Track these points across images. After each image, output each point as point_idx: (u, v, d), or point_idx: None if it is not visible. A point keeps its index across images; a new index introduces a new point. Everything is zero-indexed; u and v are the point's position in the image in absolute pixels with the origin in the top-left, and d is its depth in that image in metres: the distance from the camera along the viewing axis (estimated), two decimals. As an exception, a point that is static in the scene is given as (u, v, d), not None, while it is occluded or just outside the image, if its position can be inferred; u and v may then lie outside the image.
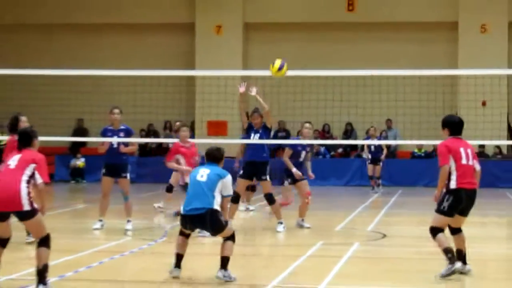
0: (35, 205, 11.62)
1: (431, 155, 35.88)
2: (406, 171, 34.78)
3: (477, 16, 37.10)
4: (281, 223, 18.73)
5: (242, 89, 19.38)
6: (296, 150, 19.31)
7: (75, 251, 15.50)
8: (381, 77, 28.52)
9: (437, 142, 19.97)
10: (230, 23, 38.58)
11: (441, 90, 33.43)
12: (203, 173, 12.93)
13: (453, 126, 13.33)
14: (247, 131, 19.44)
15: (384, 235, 18.35)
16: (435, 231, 12.88)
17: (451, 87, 34.99)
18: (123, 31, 39.38)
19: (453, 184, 12.71)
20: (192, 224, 12.74)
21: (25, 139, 12.15)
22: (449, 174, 12.78)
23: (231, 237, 12.62)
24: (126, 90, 31.69)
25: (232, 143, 27.14)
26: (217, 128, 36.29)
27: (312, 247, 16.59)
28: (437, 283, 13.05)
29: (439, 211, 12.91)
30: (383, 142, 32.30)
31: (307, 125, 19.75)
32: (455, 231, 12.99)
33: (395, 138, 35.01)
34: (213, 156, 13.21)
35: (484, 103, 34.11)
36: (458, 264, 12.57)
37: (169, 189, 22.13)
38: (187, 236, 12.85)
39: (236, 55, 38.18)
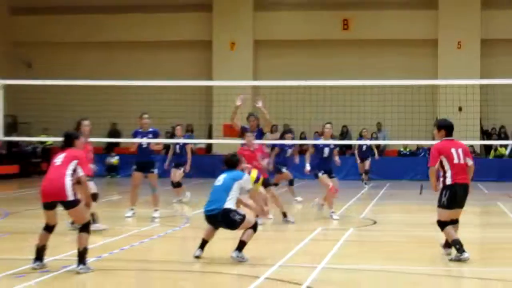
0: (78, 196, 11.78)
1: (415, 153, 35.86)
2: (393, 167, 34.72)
3: (454, 34, 37.04)
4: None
5: (239, 102, 19.32)
6: (318, 148, 19.22)
7: (110, 236, 15.51)
8: (372, 86, 28.47)
9: (420, 142, 20.09)
10: (242, 40, 38.56)
11: (423, 98, 33.34)
12: (220, 178, 13.07)
13: (448, 128, 13.05)
14: (243, 132, 19.46)
15: (375, 222, 18.32)
16: (442, 224, 12.79)
17: (432, 95, 34.89)
18: (150, 47, 39.34)
19: (448, 181, 12.67)
20: (210, 223, 12.90)
21: (67, 140, 12.31)
22: (444, 172, 12.73)
23: (253, 227, 12.66)
24: (153, 98, 31.64)
25: (243, 142, 27.06)
26: (231, 130, 36.09)
27: (313, 232, 16.57)
28: (420, 262, 13.01)
29: (440, 206, 12.83)
30: (373, 142, 32.21)
31: (328, 125, 19.51)
32: (452, 222, 12.84)
33: (384, 139, 34.96)
34: (230, 162, 13.34)
35: (460, 109, 34.00)
36: (466, 254, 12.40)
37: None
38: (216, 228, 12.98)
39: (247, 68, 38.15)
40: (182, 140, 23.42)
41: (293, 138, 24.97)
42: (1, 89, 22.03)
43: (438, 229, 15.29)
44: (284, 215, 18.06)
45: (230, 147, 35.63)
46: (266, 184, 17.62)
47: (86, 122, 16.66)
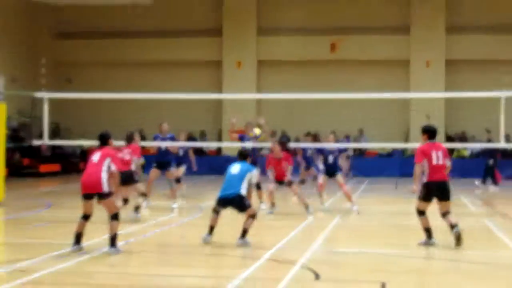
0: (111, 189, 11.97)
1: (391, 154, 35.75)
2: (372, 166, 34.57)
3: (423, 55, 36.98)
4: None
5: (233, 120, 20.43)
6: (324, 154, 19.19)
7: (136, 223, 15.47)
8: (355, 99, 28.46)
9: (395, 145, 20.02)
10: (247, 60, 38.51)
11: (397, 108, 33.45)
12: (236, 167, 13.16)
13: (431, 132, 13.03)
14: (241, 139, 19.72)
15: (358, 212, 18.26)
16: (419, 213, 12.81)
17: (404, 106, 34.93)
18: (170, 66, 39.31)
19: (425, 179, 12.66)
20: (223, 204, 12.92)
21: (103, 140, 12.65)
22: (424, 171, 12.71)
23: (253, 216, 12.71)
24: (172, 108, 31.75)
25: (248, 145, 27.13)
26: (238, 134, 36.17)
27: (306, 220, 16.53)
28: (397, 245, 12.97)
29: (419, 198, 12.85)
30: (356, 146, 32.13)
31: (331, 136, 19.52)
32: (444, 214, 12.77)
33: (365, 141, 34.89)
34: (242, 155, 13.59)
35: (428, 117, 33.96)
36: (433, 240, 12.63)
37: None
38: (218, 213, 12.94)
39: (252, 83, 38.09)
40: (194, 144, 23.19)
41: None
42: (46, 101, 22.03)
43: (411, 217, 15.23)
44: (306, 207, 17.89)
45: (237, 149, 35.78)
46: (289, 183, 17.81)
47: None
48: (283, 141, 19.40)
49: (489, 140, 27.58)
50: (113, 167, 12.07)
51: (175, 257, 11.85)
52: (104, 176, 12.00)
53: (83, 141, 34.76)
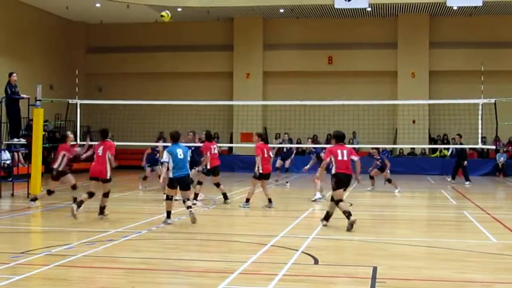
0: (110, 176, 14.67)
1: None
2: (363, 164, 34.27)
3: (409, 67, 36.96)
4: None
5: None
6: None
7: (157, 214, 15.44)
8: (349, 105, 28.40)
9: (384, 146, 19.92)
10: (255, 72, 38.52)
11: (386, 114, 33.33)
12: (180, 153, 13.91)
13: (339, 137, 13.84)
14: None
15: (351, 204, 18.19)
16: (337, 201, 13.26)
17: (393, 111, 34.84)
18: (188, 77, 39.42)
19: (334, 171, 13.35)
20: (178, 183, 13.91)
21: (104, 135, 15.01)
22: (333, 165, 13.42)
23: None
24: (191, 113, 31.68)
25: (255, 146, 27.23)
26: (247, 137, 36.20)
27: (305, 212, 16.49)
28: (383, 233, 12.91)
29: (333, 188, 13.39)
30: (352, 146, 32.00)
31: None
32: (337, 202, 13.31)
33: (358, 143, 34.80)
34: (177, 136, 14.33)
35: (414, 122, 33.93)
36: (353, 218, 12.99)
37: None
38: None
39: (259, 92, 38.12)
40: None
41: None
42: (79, 107, 22.07)
43: (396, 209, 15.20)
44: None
45: (246, 150, 35.89)
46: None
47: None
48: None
49: (460, 143, 27.64)
50: (111, 155, 14.57)
51: (191, 243, 11.83)
52: (107, 166, 14.54)
53: (111, 142, 34.83)
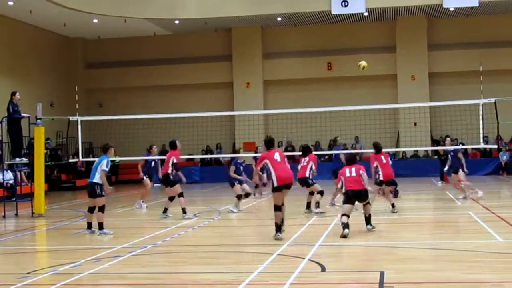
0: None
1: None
2: (368, 168, 34.24)
3: (408, 70, 37.03)
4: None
5: None
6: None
7: (163, 228, 15.44)
8: (350, 110, 28.34)
9: (386, 150, 19.93)
10: (255, 81, 38.59)
11: (388, 117, 33.35)
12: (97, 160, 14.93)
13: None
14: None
15: (356, 209, 18.12)
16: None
17: (394, 115, 34.89)
18: (189, 88, 39.51)
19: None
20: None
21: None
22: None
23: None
24: (193, 125, 31.75)
25: (258, 155, 27.16)
26: (249, 146, 36.20)
27: (311, 219, 16.47)
28: (389, 237, 12.87)
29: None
30: (355, 151, 31.98)
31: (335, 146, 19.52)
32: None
33: (361, 148, 34.77)
34: (102, 148, 15.23)
35: (415, 124, 33.91)
36: (346, 231, 12.76)
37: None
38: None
39: (259, 101, 38.17)
40: (211, 156, 23.09)
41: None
42: (80, 123, 22.10)
43: (399, 212, 15.16)
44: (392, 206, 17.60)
45: (250, 159, 35.87)
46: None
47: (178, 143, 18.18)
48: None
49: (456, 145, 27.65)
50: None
51: (198, 256, 11.80)
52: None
53: (114, 157, 34.85)
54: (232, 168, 19.33)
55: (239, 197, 19.00)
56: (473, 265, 9.79)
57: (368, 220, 13.87)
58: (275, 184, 12.79)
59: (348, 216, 13.24)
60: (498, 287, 8.28)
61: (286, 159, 13.25)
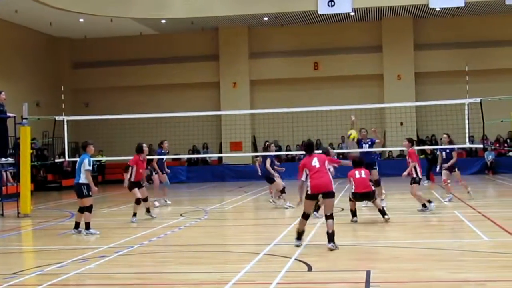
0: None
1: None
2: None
3: (395, 69, 37.17)
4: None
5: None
6: None
7: (149, 227, 15.44)
8: (337, 110, 28.35)
9: (373, 149, 19.99)
10: (242, 80, 38.60)
11: (374, 117, 33.36)
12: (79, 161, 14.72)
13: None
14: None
15: (342, 209, 18.21)
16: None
17: (380, 114, 34.93)
18: (174, 88, 39.45)
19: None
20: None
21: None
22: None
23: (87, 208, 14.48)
24: (179, 125, 31.72)
25: (245, 155, 27.28)
26: (236, 146, 36.27)
27: (296, 219, 16.46)
28: (373, 237, 12.92)
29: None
30: (340, 151, 32.07)
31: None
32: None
33: (347, 148, 34.82)
34: (82, 145, 15.16)
35: (401, 124, 34.01)
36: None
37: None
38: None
39: (246, 100, 38.16)
40: (198, 156, 23.18)
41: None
42: (66, 123, 22.02)
43: (387, 211, 15.23)
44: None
45: (236, 159, 35.91)
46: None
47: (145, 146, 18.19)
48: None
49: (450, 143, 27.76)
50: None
51: (185, 256, 11.80)
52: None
53: (100, 157, 34.79)
54: (269, 161, 19.27)
55: (283, 190, 19.14)
56: (459, 264, 9.86)
57: (383, 212, 15.11)
58: (309, 192, 11.77)
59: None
60: (482, 286, 8.35)
61: (326, 163, 11.91)
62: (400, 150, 35.87)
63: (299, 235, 11.89)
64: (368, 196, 15.12)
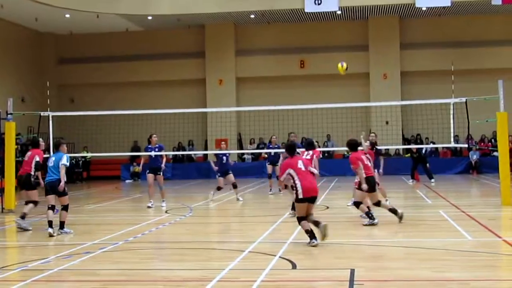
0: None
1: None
2: (339, 166, 34.55)
3: (381, 68, 37.28)
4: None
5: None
6: None
7: (134, 224, 15.40)
8: (322, 108, 28.49)
9: (359, 148, 20.02)
10: (228, 78, 38.59)
11: (360, 115, 33.50)
12: (52, 160, 14.57)
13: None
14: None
15: (327, 207, 18.25)
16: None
17: (366, 113, 35.06)
18: (161, 85, 39.38)
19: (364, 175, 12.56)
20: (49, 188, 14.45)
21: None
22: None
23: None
24: (165, 122, 31.63)
25: (231, 152, 27.18)
26: (219, 143, 36.32)
27: (282, 217, 16.51)
28: (361, 236, 12.96)
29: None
30: (325, 149, 32.11)
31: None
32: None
33: (332, 146, 34.94)
34: (56, 144, 14.79)
35: (387, 123, 34.14)
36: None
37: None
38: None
39: (232, 98, 38.17)
40: (183, 152, 23.14)
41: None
42: (52, 119, 21.94)
43: (372, 209, 15.28)
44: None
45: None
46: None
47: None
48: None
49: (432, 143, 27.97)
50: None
51: (169, 253, 11.79)
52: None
53: (85, 153, 34.70)
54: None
55: (235, 185, 21.32)
56: (442, 263, 9.89)
57: (394, 211, 14.99)
58: (300, 196, 11.63)
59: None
60: (466, 285, 8.39)
61: (309, 167, 11.91)
62: (385, 149, 36.02)
63: (310, 234, 11.69)
64: (374, 181, 14.80)
